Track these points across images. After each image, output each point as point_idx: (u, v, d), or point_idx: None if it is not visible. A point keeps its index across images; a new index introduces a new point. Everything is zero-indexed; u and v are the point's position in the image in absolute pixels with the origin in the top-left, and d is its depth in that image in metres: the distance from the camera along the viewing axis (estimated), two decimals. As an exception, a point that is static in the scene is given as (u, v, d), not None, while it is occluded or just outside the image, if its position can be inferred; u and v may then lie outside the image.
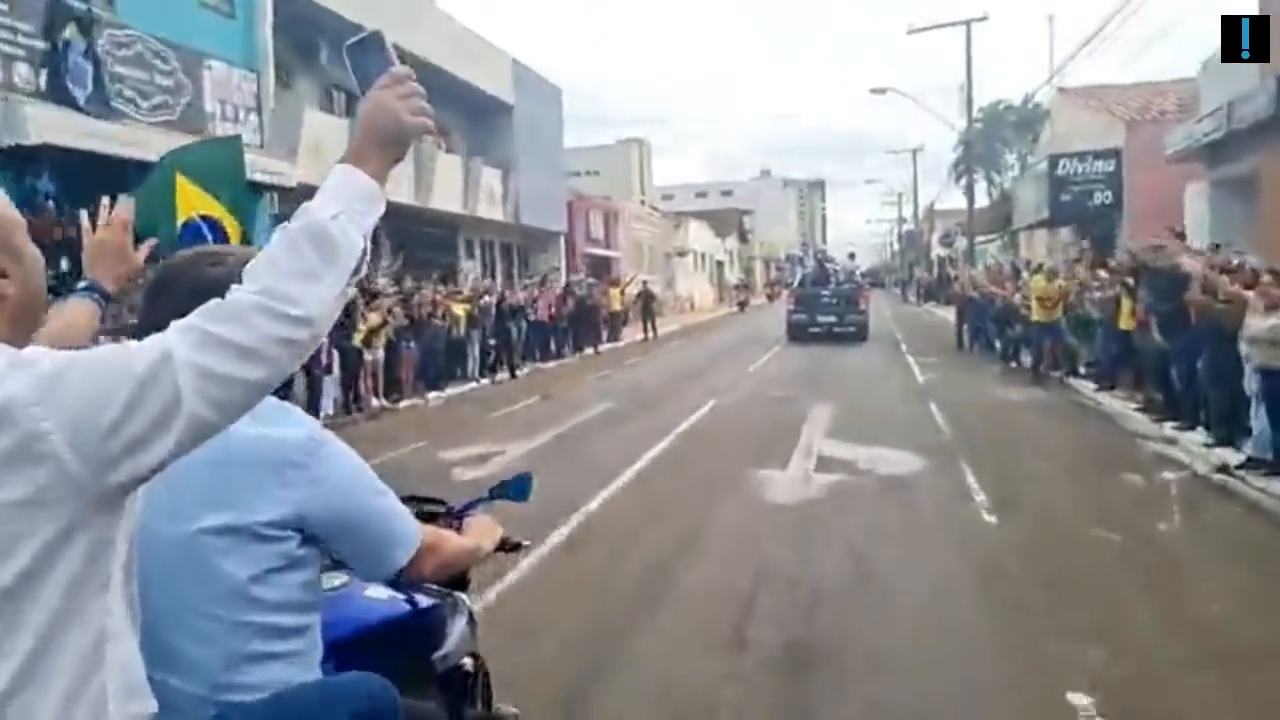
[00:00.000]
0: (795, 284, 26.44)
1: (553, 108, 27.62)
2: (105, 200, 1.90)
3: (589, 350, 21.82)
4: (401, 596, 1.95)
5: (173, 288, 1.45)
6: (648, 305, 26.33)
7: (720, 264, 56.57)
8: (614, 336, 24.84)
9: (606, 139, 76.14)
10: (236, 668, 1.42)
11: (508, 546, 2.04)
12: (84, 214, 1.91)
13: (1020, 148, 35.61)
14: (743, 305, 46.05)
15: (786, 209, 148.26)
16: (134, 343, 1.04)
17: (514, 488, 2.16)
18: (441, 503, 2.18)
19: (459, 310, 15.47)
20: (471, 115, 23.97)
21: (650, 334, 26.12)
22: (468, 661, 2.13)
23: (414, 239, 19.16)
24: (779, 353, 20.54)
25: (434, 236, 21.58)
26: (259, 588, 1.43)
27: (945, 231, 43.57)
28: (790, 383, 14.85)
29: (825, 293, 23.56)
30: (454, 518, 2.08)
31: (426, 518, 1.94)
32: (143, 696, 1.13)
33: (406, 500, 1.80)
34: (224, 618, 1.42)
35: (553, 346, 20.37)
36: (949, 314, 33.72)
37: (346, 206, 1.13)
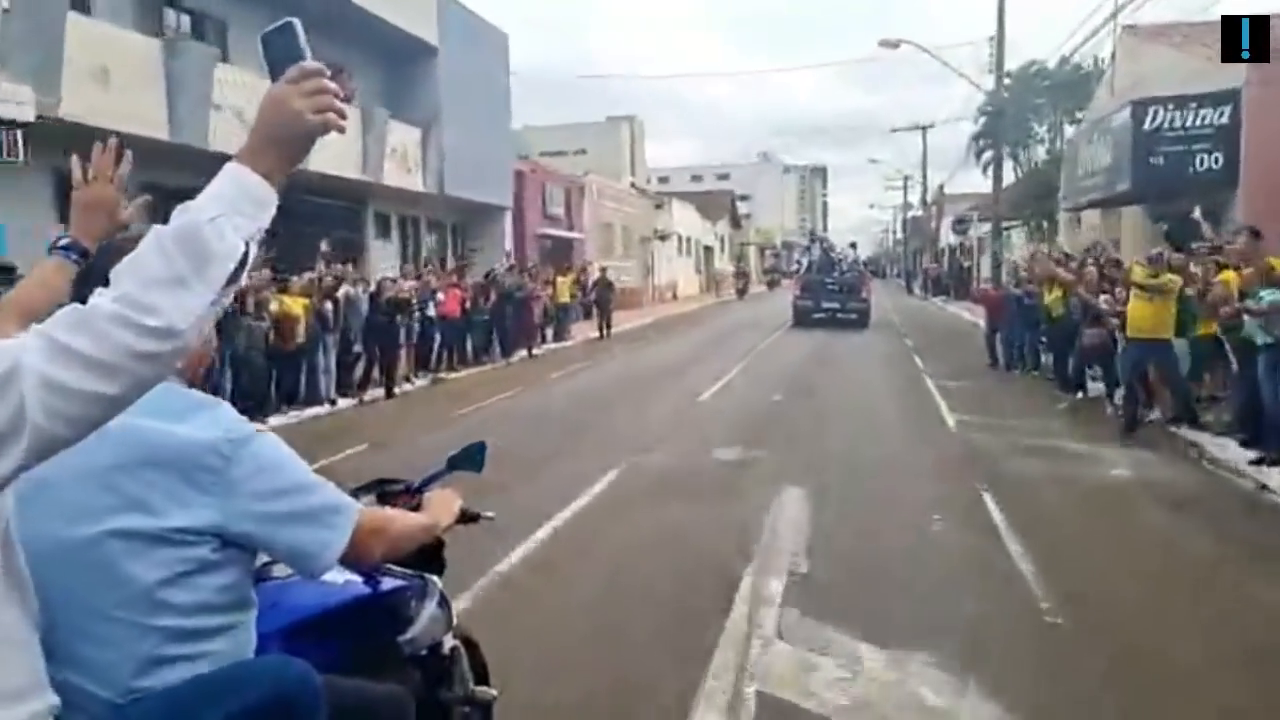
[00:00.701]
0: (800, 271, 27.00)
1: (495, 56, 22.64)
2: (98, 144, 1.71)
3: (522, 353, 17.16)
4: (360, 580, 1.85)
5: (99, 273, 1.18)
6: (603, 298, 21.62)
7: (709, 250, 51.73)
8: (560, 335, 20.15)
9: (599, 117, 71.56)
10: (147, 672, 1.36)
11: (467, 518, 1.98)
12: (74, 159, 1.70)
13: (1054, 117, 30.65)
14: (741, 292, 44.43)
15: (786, 195, 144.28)
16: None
17: (468, 458, 2.11)
18: (408, 482, 2.11)
19: (294, 306, 10.79)
20: (384, 59, 19.15)
21: (604, 332, 21.43)
22: (448, 642, 2.07)
23: (298, 213, 14.32)
24: (749, 366, 15.75)
25: (330, 211, 16.78)
26: (169, 591, 1.36)
27: (959, 216, 38.75)
28: (753, 424, 10.07)
29: (830, 281, 24.03)
30: (413, 494, 2.04)
31: (386, 498, 2.01)
32: (37, 693, 1.14)
33: (372, 485, 2.07)
34: (130, 621, 1.35)
35: (471, 350, 15.74)
36: (963, 311, 29.33)
37: (230, 208, 1.04)
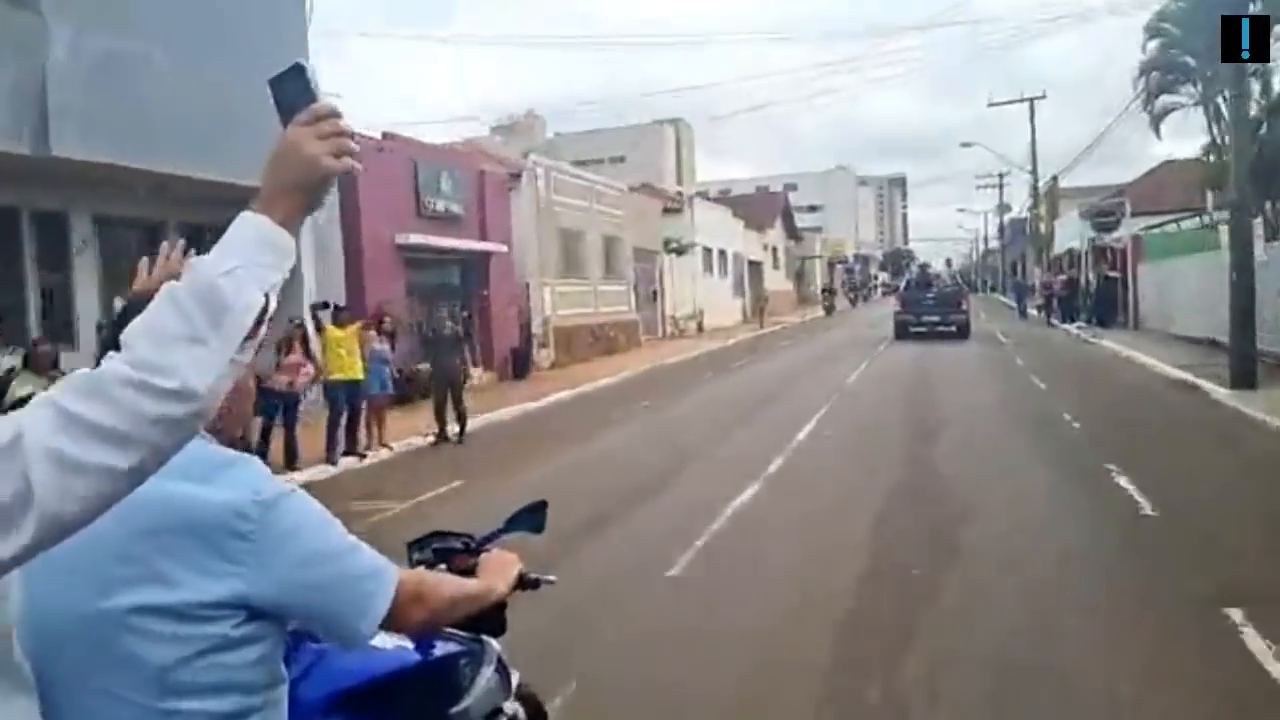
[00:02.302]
0: (902, 288, 27.96)
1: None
2: (166, 244, 1.59)
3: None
4: (411, 645, 1.71)
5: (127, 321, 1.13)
6: (442, 365, 10.92)
7: (755, 265, 40.62)
8: (291, 454, 9.25)
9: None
10: None
11: (525, 584, 1.74)
12: (143, 261, 1.57)
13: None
14: (829, 310, 42.29)
15: (861, 206, 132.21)
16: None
17: (528, 517, 1.93)
18: (470, 538, 1.90)
19: None
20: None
21: (445, 432, 10.72)
22: (508, 709, 1.90)
23: None
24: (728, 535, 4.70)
25: None
26: (186, 671, 1.17)
27: (1101, 207, 26.81)
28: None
29: (929, 296, 24.99)
30: (471, 554, 1.81)
31: (444, 555, 1.84)
32: None
33: (431, 537, 1.88)
34: (142, 705, 1.17)
35: None
36: (1121, 346, 18.06)
37: (246, 259, 0.95)
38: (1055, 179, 39.18)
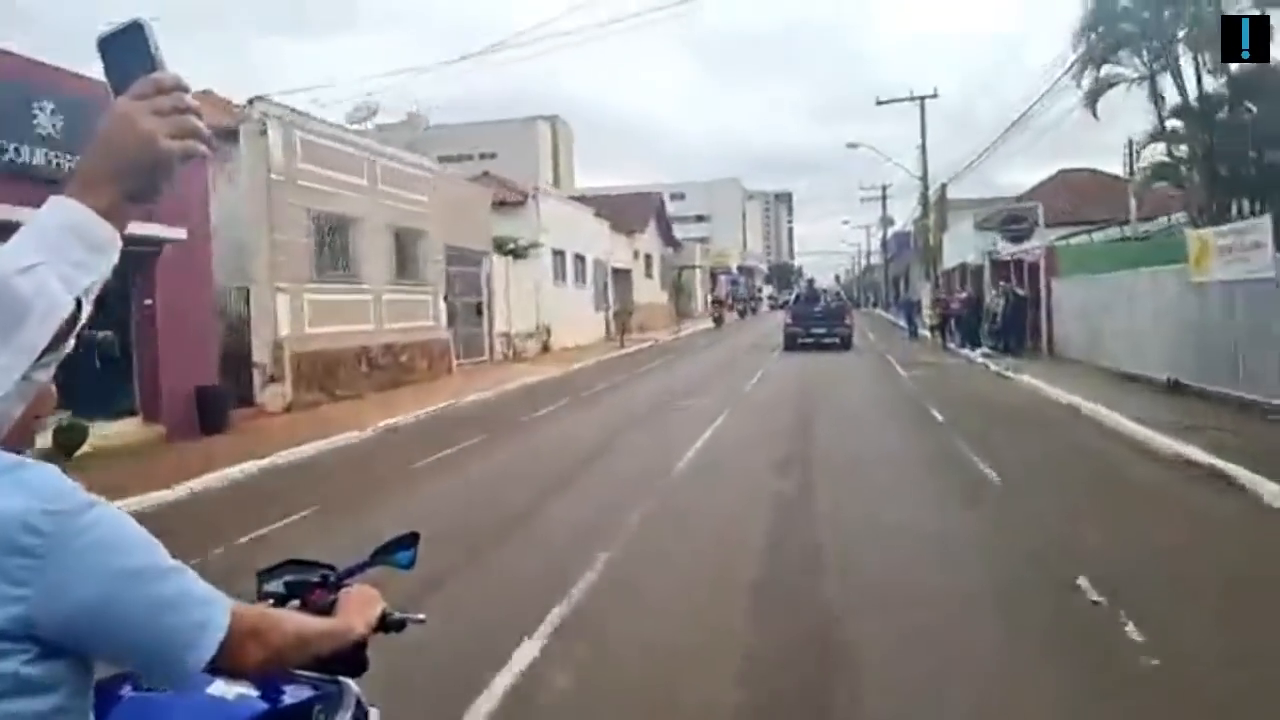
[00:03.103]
0: (791, 302, 28.93)
1: None
2: None
3: None
4: (255, 693, 1.48)
5: None
6: None
7: (622, 274, 35.65)
8: None
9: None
10: None
11: (390, 624, 1.54)
12: None
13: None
14: (718, 321, 41.54)
15: (750, 219, 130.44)
16: None
17: (395, 550, 1.71)
18: (330, 568, 1.68)
19: None
20: None
21: None
22: None
23: None
24: None
25: None
26: None
27: (1012, 213, 22.98)
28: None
29: (817, 309, 26.20)
30: (330, 589, 1.61)
31: (298, 589, 1.62)
32: None
33: (288, 564, 1.68)
34: None
35: None
36: (1049, 385, 13.74)
37: (55, 254, 0.80)
38: (944, 187, 35.82)
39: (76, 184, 0.84)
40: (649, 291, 39.43)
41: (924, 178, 33.66)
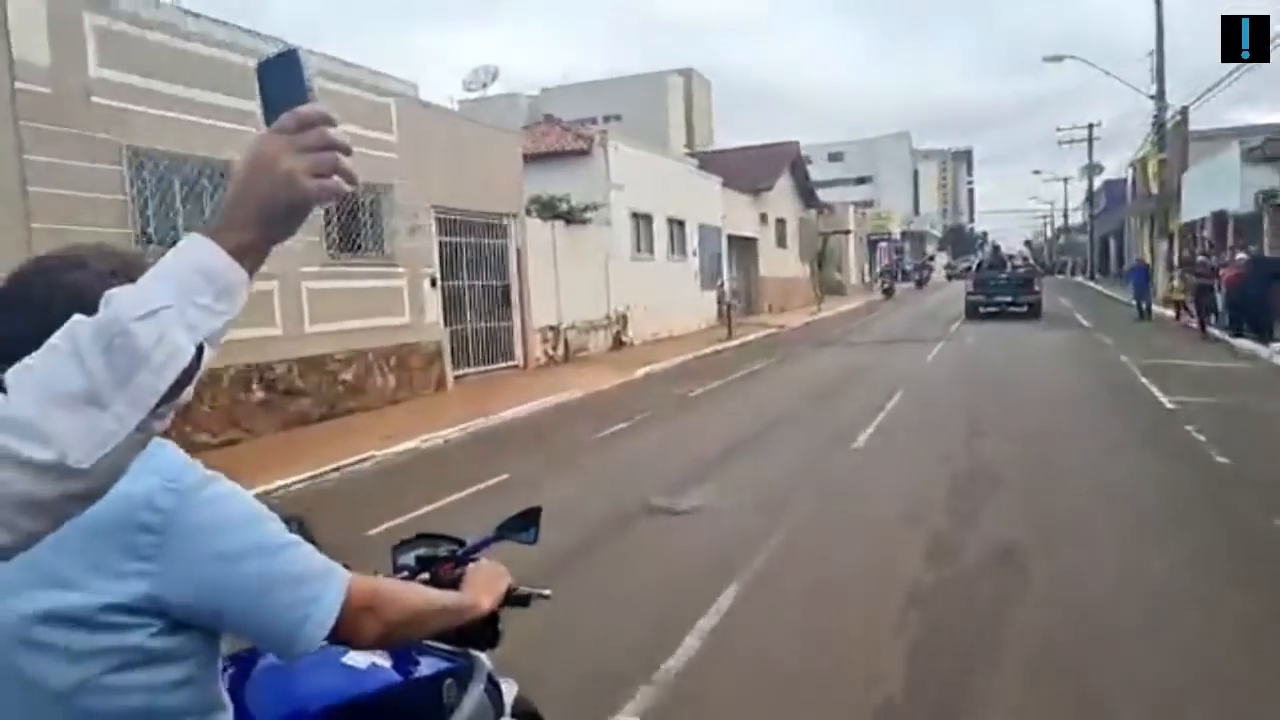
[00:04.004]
0: (974, 269, 27.63)
1: None
2: None
3: None
4: (388, 663, 1.50)
5: (19, 303, 1.02)
6: None
7: (747, 242, 28.97)
8: None
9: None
10: None
11: (516, 599, 1.55)
12: None
13: None
14: (889, 293, 39.81)
15: (924, 181, 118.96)
16: None
17: (520, 525, 1.70)
18: (460, 543, 1.72)
19: None
20: None
21: None
22: None
23: None
24: None
25: None
26: (93, 696, 1.00)
27: None
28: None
29: (1002, 276, 24.77)
30: (458, 562, 1.63)
31: (429, 563, 1.64)
32: None
33: (419, 539, 1.72)
34: None
35: None
36: None
37: (183, 297, 0.75)
38: (1185, 112, 26.67)
39: (215, 223, 0.79)
40: (781, 263, 32.50)
41: (1159, 92, 24.76)
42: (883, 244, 55.96)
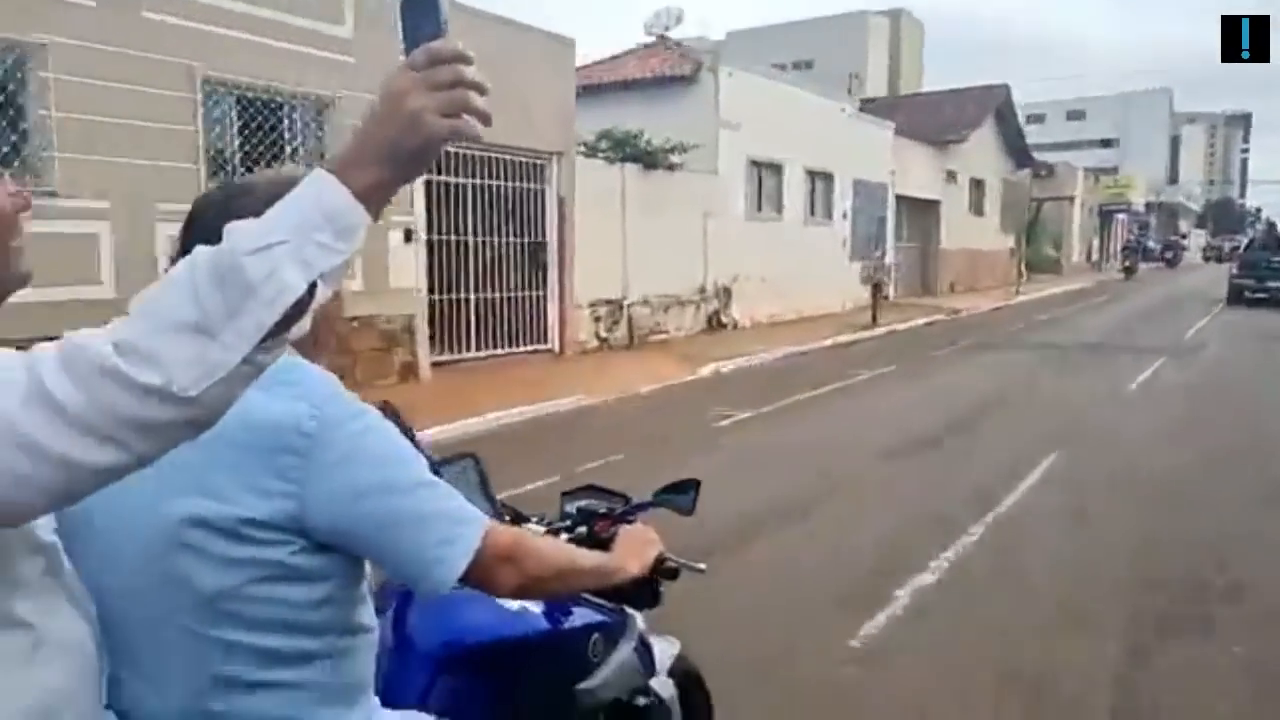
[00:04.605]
0: (1242, 248, 26.50)
1: None
2: None
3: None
4: (539, 609, 1.51)
5: (196, 230, 1.09)
6: None
7: (926, 205, 23.60)
8: None
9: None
10: (216, 694, 1.07)
11: (664, 570, 1.46)
12: None
13: None
14: (1129, 272, 35.07)
15: (1188, 147, 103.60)
16: (5, 352, 0.77)
17: (677, 494, 1.68)
18: (625, 499, 1.71)
19: None
20: None
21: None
22: (658, 688, 1.68)
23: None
24: None
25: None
26: (236, 601, 1.05)
27: None
28: None
29: (1276, 259, 22.32)
30: (614, 521, 1.63)
31: (588, 516, 1.66)
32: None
33: (588, 489, 1.74)
34: (190, 630, 1.06)
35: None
36: None
37: (300, 233, 0.74)
38: None
39: (341, 160, 0.78)
40: (972, 232, 26.66)
41: None
42: (1120, 216, 47.10)
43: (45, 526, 0.91)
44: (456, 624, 1.42)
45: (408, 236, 9.61)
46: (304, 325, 0.76)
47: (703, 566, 1.52)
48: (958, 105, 26.32)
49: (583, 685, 1.52)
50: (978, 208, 27.43)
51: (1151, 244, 50.33)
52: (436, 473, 1.15)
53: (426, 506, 1.09)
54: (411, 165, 0.79)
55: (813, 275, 17.60)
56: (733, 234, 15.13)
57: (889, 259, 21.43)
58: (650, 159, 13.26)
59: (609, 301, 12.70)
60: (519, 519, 1.68)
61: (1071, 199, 36.08)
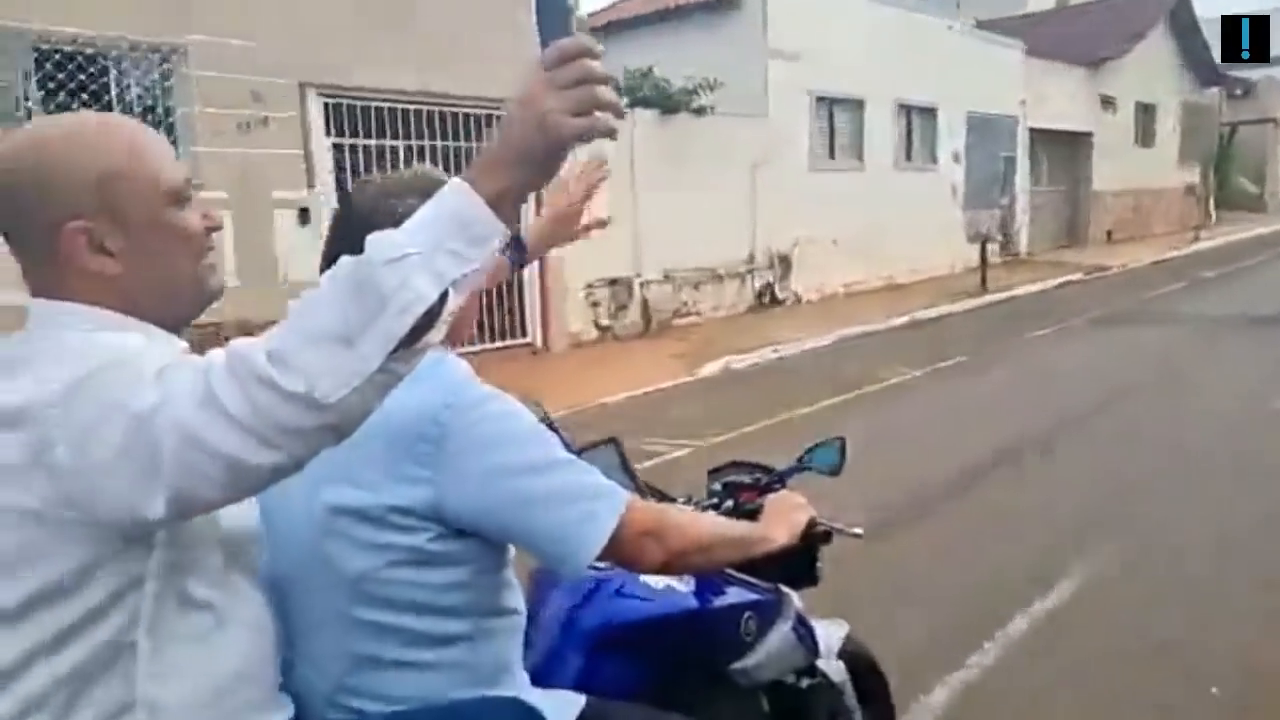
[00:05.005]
0: None
1: None
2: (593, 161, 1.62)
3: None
4: (687, 588, 1.45)
5: (342, 225, 1.15)
6: None
7: (1071, 139, 19.38)
8: None
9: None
10: (360, 671, 1.14)
11: (816, 536, 1.42)
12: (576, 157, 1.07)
13: None
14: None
15: None
16: (186, 359, 0.84)
17: (822, 454, 1.63)
18: (769, 470, 1.65)
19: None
20: None
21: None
22: (828, 670, 1.64)
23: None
24: None
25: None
26: (379, 584, 1.11)
27: None
28: None
29: None
30: (761, 491, 1.58)
31: (733, 490, 1.62)
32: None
33: (732, 466, 1.69)
34: (336, 610, 1.12)
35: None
36: None
37: (429, 244, 0.77)
38: None
39: (475, 168, 0.79)
40: (1143, 167, 22.01)
41: None
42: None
43: (233, 514, 0.93)
44: (608, 605, 1.40)
45: (303, 218, 7.72)
46: (437, 334, 0.77)
47: (859, 530, 1.45)
48: (1114, 15, 21.68)
49: (737, 665, 1.47)
50: (1147, 138, 22.71)
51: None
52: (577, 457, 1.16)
53: (562, 483, 1.09)
54: (544, 167, 0.78)
55: (908, 233, 14.46)
56: (792, 189, 12.35)
57: (1020, 206, 17.77)
58: (670, 103, 10.74)
59: (613, 281, 10.39)
60: (664, 499, 1.57)
61: (1274, 121, 29.78)
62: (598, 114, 0.77)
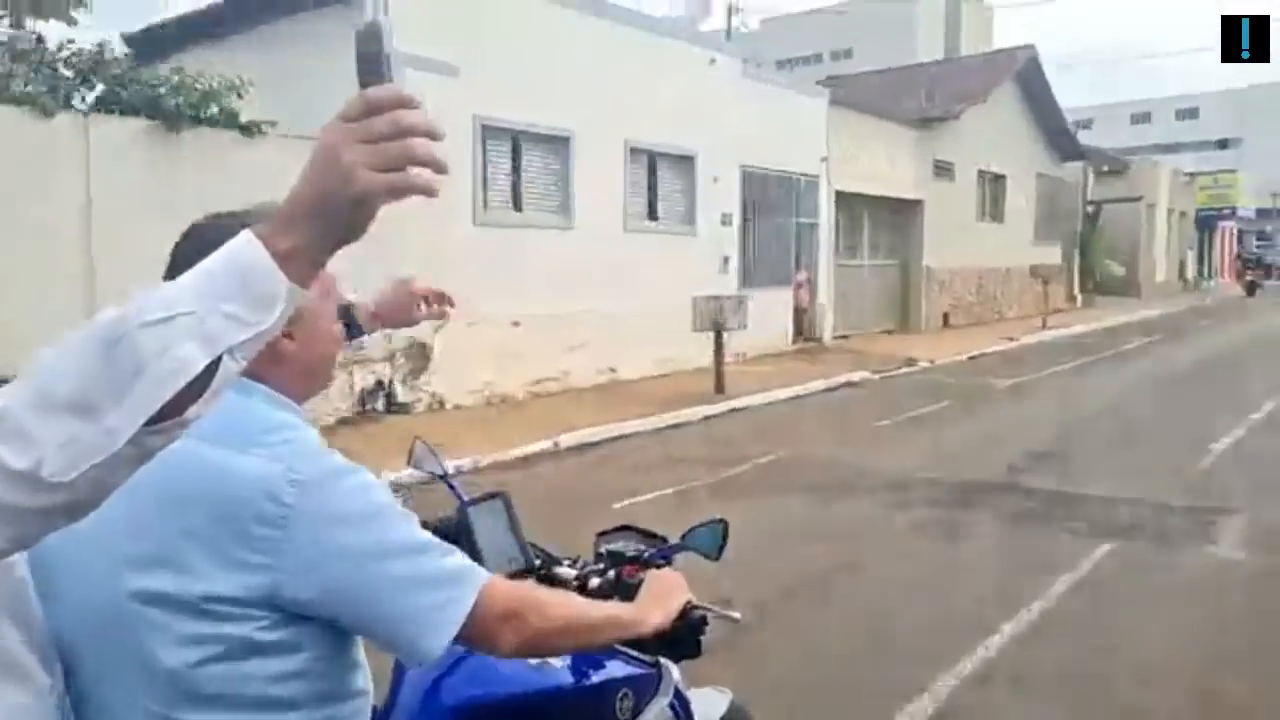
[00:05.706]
0: None
1: None
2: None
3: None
4: (562, 663, 1.39)
5: (180, 261, 0.97)
6: None
7: (904, 206, 16.41)
8: None
9: None
10: None
11: (692, 620, 1.32)
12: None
13: None
14: (1251, 289, 30.37)
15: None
16: None
17: (705, 537, 1.51)
18: (661, 541, 1.57)
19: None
20: None
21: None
22: None
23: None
24: None
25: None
26: (203, 680, 0.95)
27: None
28: None
29: None
30: (641, 566, 1.48)
31: (616, 560, 1.52)
32: None
33: (623, 529, 1.61)
34: (153, 712, 0.96)
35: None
36: None
37: (210, 302, 0.68)
38: None
39: (273, 220, 0.71)
40: (984, 244, 19.22)
41: None
42: (1224, 223, 38.08)
43: None
44: (475, 678, 1.33)
45: None
46: (207, 406, 0.68)
47: (737, 615, 1.38)
48: (960, 75, 19.12)
49: None
50: (995, 212, 20.04)
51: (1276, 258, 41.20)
52: (464, 512, 1.17)
53: (421, 570, 0.99)
54: (345, 228, 0.70)
55: (650, 313, 11.02)
56: (446, 250, 8.75)
57: (823, 282, 14.61)
58: (170, 114, 7.05)
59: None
60: (550, 562, 1.52)
61: (1138, 200, 27.77)
62: (413, 170, 0.68)
